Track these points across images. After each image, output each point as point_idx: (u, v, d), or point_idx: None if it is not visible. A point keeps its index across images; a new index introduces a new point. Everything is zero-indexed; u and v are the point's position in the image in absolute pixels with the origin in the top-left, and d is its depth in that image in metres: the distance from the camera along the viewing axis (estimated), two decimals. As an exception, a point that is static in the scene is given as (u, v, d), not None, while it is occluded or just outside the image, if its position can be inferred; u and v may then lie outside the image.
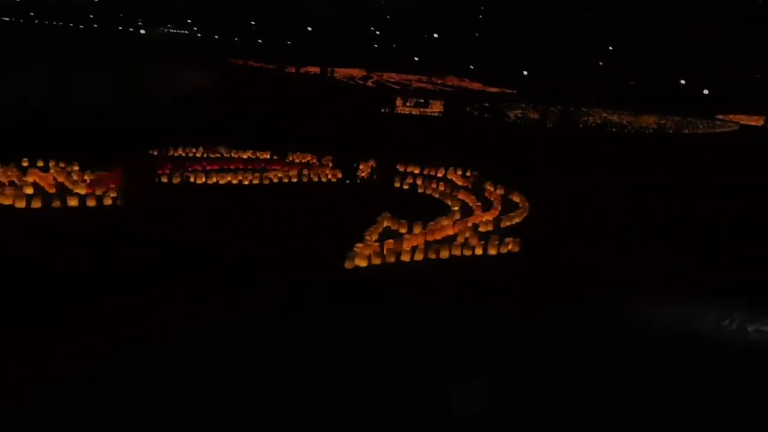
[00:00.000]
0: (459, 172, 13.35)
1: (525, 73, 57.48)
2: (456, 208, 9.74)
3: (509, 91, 48.37)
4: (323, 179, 11.65)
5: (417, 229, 8.12)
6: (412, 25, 70.36)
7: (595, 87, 46.72)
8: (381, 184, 11.29)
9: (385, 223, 8.31)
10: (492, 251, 7.69)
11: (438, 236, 8.09)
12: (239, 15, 72.38)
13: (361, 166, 11.56)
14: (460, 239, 8.02)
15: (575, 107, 34.50)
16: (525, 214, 10.10)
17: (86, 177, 9.65)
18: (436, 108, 31.97)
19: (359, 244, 6.86)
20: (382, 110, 28.72)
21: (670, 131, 30.80)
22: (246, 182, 10.96)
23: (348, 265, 6.52)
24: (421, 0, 68.47)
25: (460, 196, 11.18)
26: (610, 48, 63.38)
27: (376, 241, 7.37)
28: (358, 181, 11.46)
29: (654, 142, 26.35)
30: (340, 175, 11.54)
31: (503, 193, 11.65)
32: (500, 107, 32.76)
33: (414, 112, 29.78)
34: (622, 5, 53.83)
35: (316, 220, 8.52)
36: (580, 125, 29.21)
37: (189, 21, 76.52)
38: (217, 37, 72.94)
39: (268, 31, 71.69)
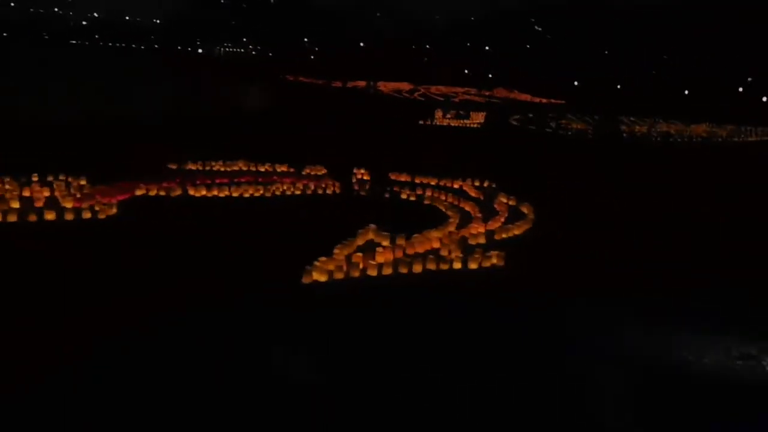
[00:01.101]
0: (476, 183, 12.98)
1: (576, 83, 56.09)
2: (452, 220, 9.33)
3: (558, 101, 47.23)
4: (329, 191, 11.48)
5: (400, 242, 7.79)
6: (463, 39, 70.11)
7: (646, 96, 45.01)
8: (378, 196, 10.93)
9: (369, 236, 8.01)
10: (472, 265, 7.26)
11: (420, 249, 7.73)
12: (293, 33, 73.93)
13: (356, 178, 11.28)
14: (443, 252, 7.63)
15: (622, 116, 33.28)
16: (527, 227, 9.59)
17: (85, 191, 9.80)
18: (476, 119, 31.47)
19: (323, 258, 6.57)
20: (420, 122, 28.47)
21: (719, 140, 29.21)
22: (246, 195, 10.89)
23: (305, 279, 6.25)
24: (474, 15, 68.30)
25: (467, 207, 10.78)
26: (665, 57, 61.19)
27: (351, 254, 7.09)
28: (356, 193, 11.19)
29: (701, 151, 25.02)
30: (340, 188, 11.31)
31: (514, 204, 11.20)
32: (543, 118, 31.94)
33: (453, 124, 29.39)
34: (676, 13, 51.94)
35: (296, 233, 8.28)
36: (624, 135, 28.06)
37: (245, 39, 78.68)
38: (271, 54, 74.64)
39: (321, 48, 72.82)
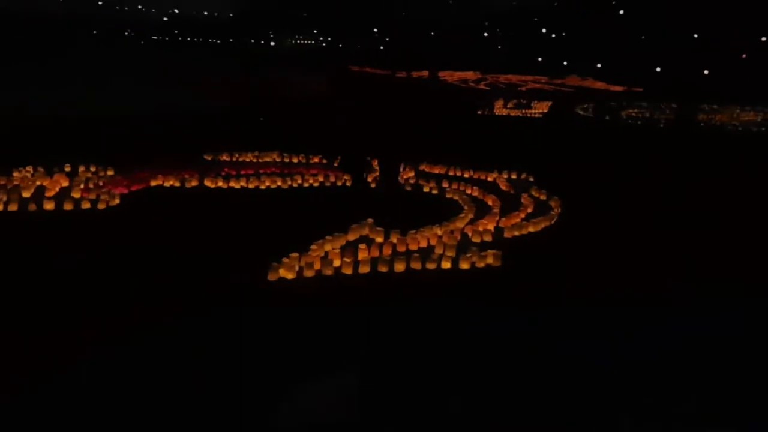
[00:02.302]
0: (513, 176, 12.33)
1: (658, 69, 52.97)
2: (463, 215, 8.76)
3: (635, 89, 44.73)
4: (348, 184, 11.12)
5: (393, 238, 7.34)
6: (536, 25, 67.84)
7: (734, 83, 41.85)
8: (386, 188, 10.39)
9: (364, 231, 7.59)
10: (464, 265, 6.70)
11: (413, 246, 7.24)
12: (362, 24, 73.92)
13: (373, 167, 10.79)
14: (437, 250, 7.11)
15: (704, 105, 31.02)
16: (547, 224, 8.88)
17: (101, 182, 9.89)
18: (539, 109, 30.21)
19: (294, 254, 6.21)
20: (479, 112, 27.60)
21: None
22: (262, 187, 10.70)
23: (271, 276, 5.91)
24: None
25: (489, 202, 10.17)
26: (764, 38, 56.66)
27: (336, 250, 6.71)
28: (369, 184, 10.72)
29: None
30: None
31: (543, 199, 10.48)
32: (612, 107, 30.26)
33: (513, 114, 28.30)
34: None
35: (288, 227, 7.94)
36: (702, 124, 26.06)
37: (315, 31, 79.36)
38: (341, 45, 74.99)
39: (390, 38, 72.44)
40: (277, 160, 12.97)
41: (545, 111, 29.44)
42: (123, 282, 5.86)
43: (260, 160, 12.81)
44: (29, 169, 10.05)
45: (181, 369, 4.42)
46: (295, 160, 12.87)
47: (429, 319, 5.45)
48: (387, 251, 6.88)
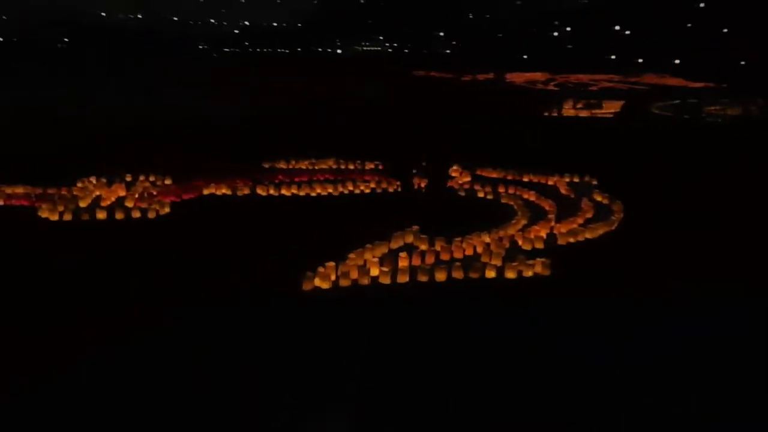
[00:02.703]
0: (574, 179, 11.79)
1: (742, 63, 49.93)
2: (514, 221, 8.36)
3: (716, 85, 42.31)
4: (390, 189, 10.84)
5: (438, 246, 7.06)
6: (609, 22, 65.51)
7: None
8: (434, 193, 10.03)
9: (408, 239, 7.35)
10: (510, 274, 6.33)
11: (458, 254, 6.93)
12: (428, 28, 73.65)
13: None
14: (484, 258, 6.77)
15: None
16: (606, 230, 8.35)
17: (153, 190, 10.10)
18: (610, 108, 28.99)
19: (330, 263, 6.04)
20: (545, 114, 26.76)
21: None
22: (313, 194, 10.63)
23: (306, 286, 5.76)
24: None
25: (546, 206, 9.70)
26: None
27: (375, 258, 6.50)
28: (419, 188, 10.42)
29: None
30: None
31: (606, 203, 9.92)
32: (692, 105, 28.61)
33: (582, 115, 27.27)
34: None
35: (329, 235, 7.76)
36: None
37: (381, 38, 79.70)
38: (406, 51, 74.95)
39: (457, 41, 71.83)
40: (333, 166, 12.95)
41: (617, 111, 28.23)
42: (156, 283, 5.93)
43: (315, 167, 12.82)
44: (92, 179, 10.39)
45: (193, 372, 4.37)
46: (351, 167, 12.80)
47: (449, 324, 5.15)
48: (430, 259, 6.60)
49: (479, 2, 73.75)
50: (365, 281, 5.95)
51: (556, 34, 69.49)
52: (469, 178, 11.87)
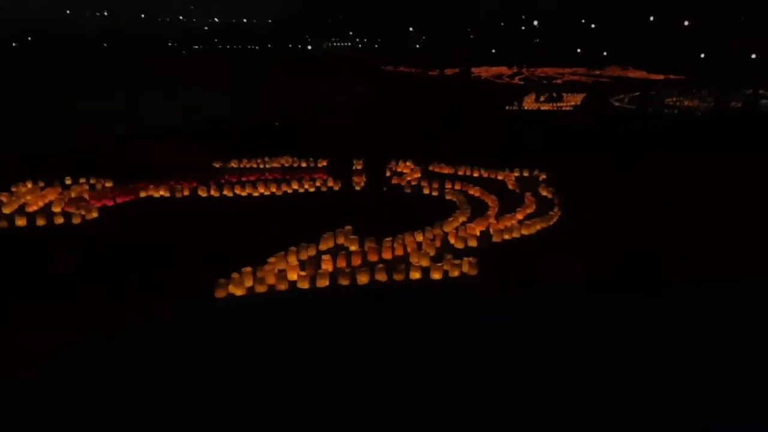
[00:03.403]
0: (524, 174, 11.73)
1: (702, 56, 50.61)
2: (452, 219, 8.22)
3: (676, 77, 42.89)
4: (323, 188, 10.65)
5: (368, 247, 6.89)
6: (575, 14, 65.98)
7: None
8: (370, 191, 9.83)
9: (339, 240, 7.17)
10: (436, 275, 6.18)
11: (387, 255, 6.77)
12: (399, 23, 73.48)
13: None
14: (413, 258, 6.61)
15: (752, 93, 29.22)
16: (544, 225, 8.25)
17: (86, 194, 9.76)
18: (571, 102, 29.14)
19: (247, 268, 5.82)
20: (507, 108, 26.78)
21: None
22: (256, 194, 10.38)
23: (219, 293, 5.54)
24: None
25: (489, 202, 9.60)
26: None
27: (304, 261, 6.31)
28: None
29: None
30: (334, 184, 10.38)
31: (550, 198, 9.86)
32: (648, 97, 28.85)
33: (543, 108, 27.36)
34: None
35: (257, 237, 7.53)
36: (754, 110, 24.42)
37: (351, 33, 79.41)
38: (376, 46, 74.77)
39: (426, 36, 71.78)
40: (285, 165, 12.72)
41: (577, 103, 28.37)
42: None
43: (268, 166, 12.57)
44: (28, 184, 10.01)
45: (95, 390, 4.17)
46: (303, 165, 12.59)
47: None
48: (356, 261, 6.42)
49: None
50: (283, 286, 5.74)
51: (523, 28, 69.85)
52: (419, 175, 11.75)
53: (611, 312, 5.59)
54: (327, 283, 5.86)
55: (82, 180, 10.54)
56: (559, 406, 4.18)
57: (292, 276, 5.88)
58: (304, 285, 5.79)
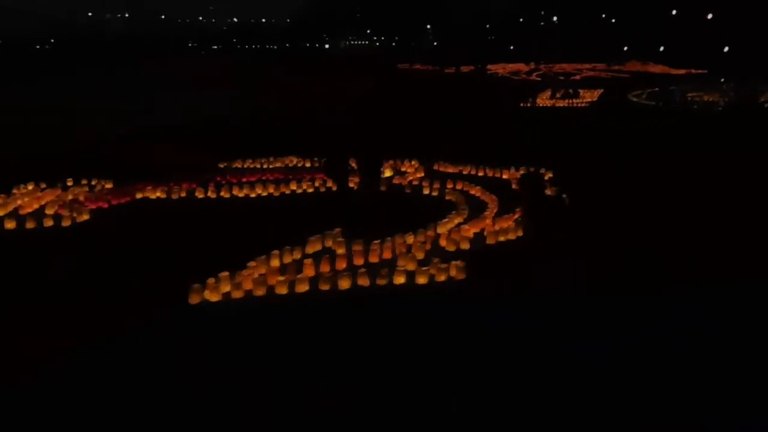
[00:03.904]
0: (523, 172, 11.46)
1: (726, 49, 49.50)
2: (446, 220, 7.98)
3: (697, 71, 41.99)
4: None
5: (357, 248, 6.70)
6: (593, 11, 65.00)
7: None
8: (365, 191, 9.60)
9: (327, 243, 6.98)
10: (421, 280, 5.96)
11: (374, 259, 6.56)
12: (415, 21, 73.17)
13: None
14: (400, 262, 6.40)
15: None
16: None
17: (82, 196, 9.69)
18: (588, 98, 28.61)
19: (223, 274, 5.66)
20: (522, 104, 26.35)
21: None
22: (253, 195, 10.23)
23: (193, 299, 5.38)
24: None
25: (489, 202, 9.34)
26: None
27: (286, 265, 6.14)
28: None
29: None
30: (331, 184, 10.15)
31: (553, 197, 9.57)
32: (667, 92, 28.21)
33: (559, 105, 26.88)
34: None
35: (243, 240, 7.37)
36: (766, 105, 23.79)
37: (368, 31, 79.25)
38: (394, 44, 74.50)
39: (443, 34, 71.32)
40: (290, 165, 12.58)
41: (593, 100, 27.84)
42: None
43: (271, 166, 12.43)
44: (29, 185, 9.98)
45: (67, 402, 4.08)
46: (308, 165, 12.44)
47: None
48: (341, 265, 6.23)
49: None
50: (260, 292, 5.57)
51: (542, 24, 69.02)
52: (422, 174, 11.52)
53: (611, 312, 5.54)
54: (306, 288, 5.67)
55: (84, 181, 10.52)
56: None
57: (272, 281, 5.71)
58: (283, 290, 5.61)
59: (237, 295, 5.51)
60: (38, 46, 72.34)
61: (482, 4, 67.78)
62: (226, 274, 5.63)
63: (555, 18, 65.52)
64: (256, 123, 19.18)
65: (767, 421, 4.07)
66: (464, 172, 11.76)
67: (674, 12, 62.95)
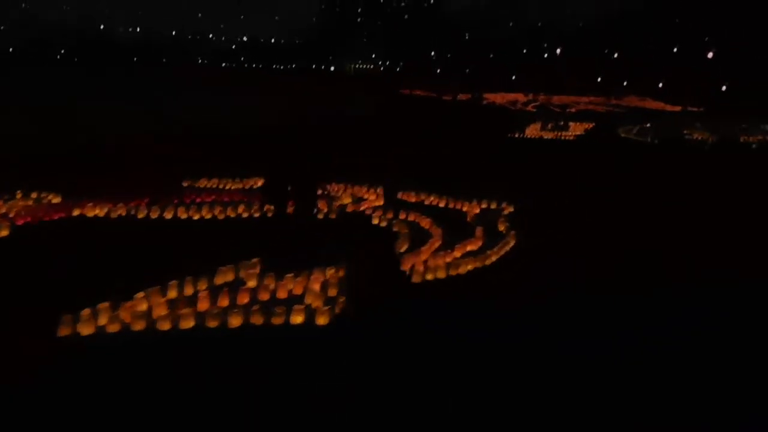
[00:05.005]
0: (493, 206, 11.13)
1: (723, 88, 49.44)
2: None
3: (694, 109, 41.85)
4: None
5: (269, 282, 6.31)
6: (598, 43, 65.32)
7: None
8: (299, 218, 9.24)
9: (241, 274, 6.59)
10: (321, 320, 5.55)
11: (283, 294, 6.17)
12: (422, 46, 73.65)
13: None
14: (308, 299, 6.01)
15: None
16: (476, 265, 7.60)
17: (13, 211, 9.34)
18: (576, 131, 28.37)
19: (103, 305, 5.26)
20: (509, 135, 26.08)
21: None
22: (196, 217, 9.83)
23: (62, 331, 4.98)
24: (609, 17, 63.46)
25: (435, 233, 8.98)
26: None
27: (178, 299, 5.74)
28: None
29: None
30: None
31: (502, 231, 9.24)
32: (657, 129, 28.02)
33: (546, 136, 26.59)
34: None
35: (146, 267, 6.92)
36: (754, 146, 23.48)
37: (373, 55, 79.77)
38: (398, 69, 74.90)
39: (447, 61, 71.70)
40: (254, 186, 12.22)
41: (580, 134, 27.56)
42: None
43: (232, 188, 12.07)
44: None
45: None
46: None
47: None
48: (243, 299, 5.83)
49: (473, 22, 73.71)
50: (139, 326, 5.17)
51: (546, 56, 69.29)
52: (380, 203, 11.17)
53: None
54: (192, 323, 5.27)
55: (33, 194, 10.21)
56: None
57: (157, 314, 5.31)
58: (165, 326, 5.20)
59: (113, 329, 5.10)
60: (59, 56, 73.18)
61: (486, 32, 68.19)
62: (106, 305, 5.23)
63: (558, 50, 65.81)
64: (247, 133, 19.06)
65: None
66: (425, 203, 11.43)
67: (675, 50, 63.22)
